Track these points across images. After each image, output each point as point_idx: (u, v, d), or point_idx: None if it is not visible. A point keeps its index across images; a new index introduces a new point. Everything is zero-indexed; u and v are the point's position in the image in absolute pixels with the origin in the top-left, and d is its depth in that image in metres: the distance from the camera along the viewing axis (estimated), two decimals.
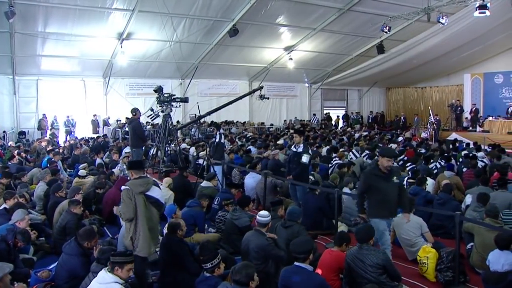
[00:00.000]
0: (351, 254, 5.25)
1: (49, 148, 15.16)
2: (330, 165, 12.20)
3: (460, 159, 13.12)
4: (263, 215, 5.92)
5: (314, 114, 29.11)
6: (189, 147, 15.77)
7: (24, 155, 14.64)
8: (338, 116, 30.85)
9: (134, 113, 11.65)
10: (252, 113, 27.53)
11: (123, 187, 5.61)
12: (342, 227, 7.55)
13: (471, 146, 16.39)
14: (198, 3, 16.45)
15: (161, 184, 9.69)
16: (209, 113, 14.83)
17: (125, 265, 4.53)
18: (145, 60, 20.99)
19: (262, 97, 18.82)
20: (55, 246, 7.16)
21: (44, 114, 20.65)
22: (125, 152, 13.54)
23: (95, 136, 19.94)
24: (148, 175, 6.98)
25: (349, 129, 26.34)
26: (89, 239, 5.71)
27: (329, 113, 30.40)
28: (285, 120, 28.28)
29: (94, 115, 22.03)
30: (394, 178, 5.96)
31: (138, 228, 5.40)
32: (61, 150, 15.83)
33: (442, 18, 17.20)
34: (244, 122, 26.52)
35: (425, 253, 5.98)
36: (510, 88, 24.46)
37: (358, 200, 6.29)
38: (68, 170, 13.77)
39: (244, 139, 18.95)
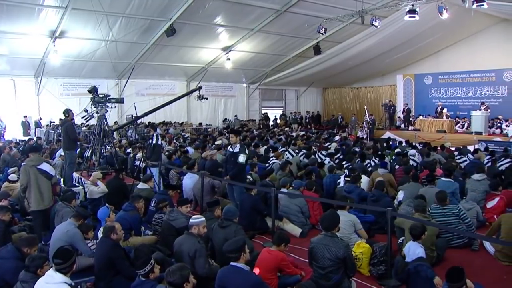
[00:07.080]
0: (314, 241, 5.27)
1: None
2: (267, 164, 12.31)
3: (393, 157, 13.57)
4: (194, 217, 5.93)
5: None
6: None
7: None
8: (275, 116, 31.19)
9: (66, 115, 11.25)
10: (190, 114, 27.36)
11: (22, 164, 7.84)
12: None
13: (404, 144, 17.01)
14: (134, 2, 16.05)
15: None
16: (146, 114, 14.56)
17: (73, 264, 4.61)
18: (80, 59, 20.29)
19: (200, 97, 18.76)
20: None
21: None
22: (60, 155, 13.09)
23: (26, 138, 19.13)
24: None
25: (286, 128, 26.67)
26: (30, 246, 5.59)
27: (267, 113, 30.67)
28: (224, 120, 28.32)
29: (25, 116, 21.09)
30: None
31: (30, 192, 7.46)
32: None
33: (375, 21, 17.72)
34: (182, 122, 26.27)
35: (359, 249, 6.14)
36: (438, 88, 25.63)
37: None
38: None
39: (182, 140, 18.76)
